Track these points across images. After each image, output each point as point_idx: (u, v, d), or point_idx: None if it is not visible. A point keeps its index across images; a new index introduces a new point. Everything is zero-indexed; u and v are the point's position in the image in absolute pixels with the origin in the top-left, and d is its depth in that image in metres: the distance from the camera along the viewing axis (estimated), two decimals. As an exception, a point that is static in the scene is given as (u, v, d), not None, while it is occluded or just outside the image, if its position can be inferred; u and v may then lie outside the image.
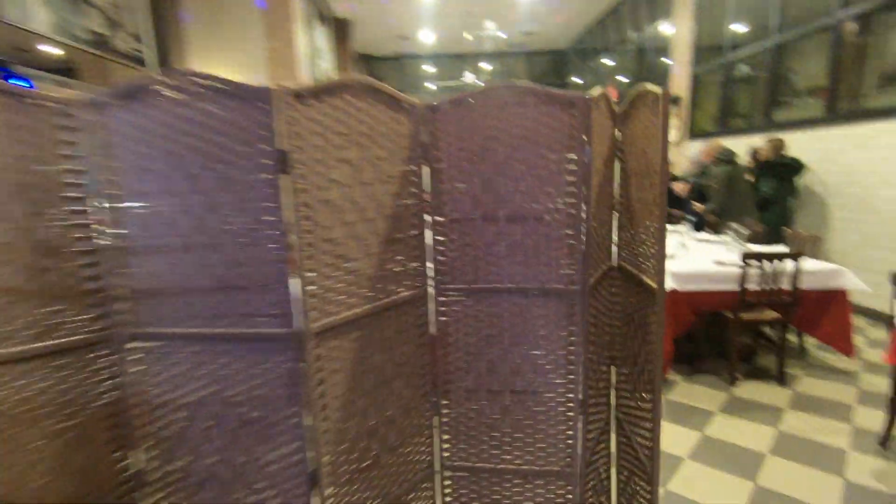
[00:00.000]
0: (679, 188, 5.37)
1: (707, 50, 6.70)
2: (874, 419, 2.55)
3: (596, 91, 1.50)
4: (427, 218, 1.51)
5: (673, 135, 7.30)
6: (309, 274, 1.22)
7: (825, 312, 3.05)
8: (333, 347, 1.31)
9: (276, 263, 1.21)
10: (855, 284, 2.96)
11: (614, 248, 1.72)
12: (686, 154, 6.51)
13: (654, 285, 1.38)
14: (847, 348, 3.02)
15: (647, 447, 1.48)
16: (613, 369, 1.78)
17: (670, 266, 3.02)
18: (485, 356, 1.56)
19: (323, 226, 1.25)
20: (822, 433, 2.47)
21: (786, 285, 2.87)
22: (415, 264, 1.52)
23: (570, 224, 1.44)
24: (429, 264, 1.54)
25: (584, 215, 1.43)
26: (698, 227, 4.72)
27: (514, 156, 1.42)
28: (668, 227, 4.91)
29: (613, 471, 1.84)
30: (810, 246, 3.44)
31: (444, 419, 1.63)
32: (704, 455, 2.32)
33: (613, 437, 1.83)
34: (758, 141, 5.17)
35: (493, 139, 1.42)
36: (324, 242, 1.26)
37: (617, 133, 1.61)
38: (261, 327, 1.25)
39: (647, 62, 8.40)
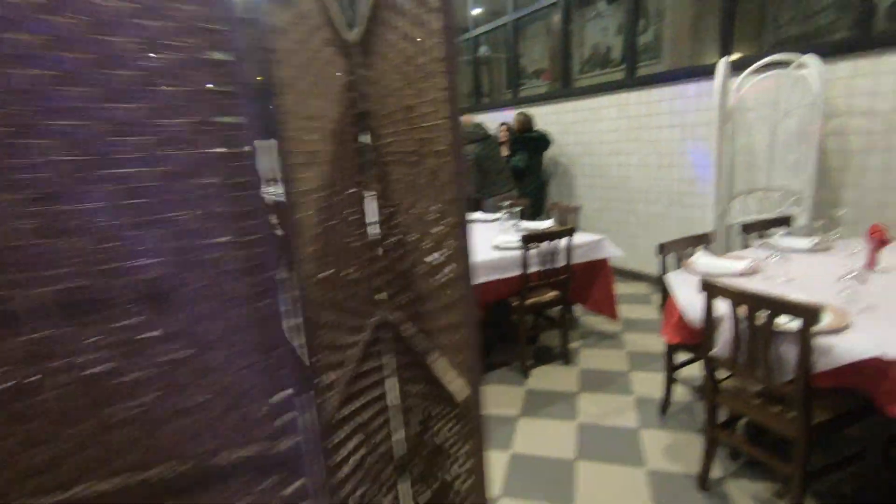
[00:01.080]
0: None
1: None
2: (646, 384, 2.62)
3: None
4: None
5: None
6: None
7: (593, 282, 3.09)
8: None
9: None
10: (614, 252, 3.04)
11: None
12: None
13: (458, 392, 0.77)
14: (612, 312, 3.13)
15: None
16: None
17: (452, 258, 2.62)
18: None
19: None
20: (614, 415, 2.39)
21: (561, 262, 2.75)
22: None
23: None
24: None
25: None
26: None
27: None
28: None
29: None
30: (573, 216, 3.50)
31: None
32: (518, 485, 1.96)
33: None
34: (506, 117, 5.30)
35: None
36: None
37: (353, 73, 0.95)
38: None
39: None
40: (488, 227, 3.45)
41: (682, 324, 1.89)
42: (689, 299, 1.83)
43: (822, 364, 1.40)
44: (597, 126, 4.53)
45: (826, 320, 1.43)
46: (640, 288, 4.22)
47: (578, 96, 4.70)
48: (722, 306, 1.63)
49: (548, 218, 3.70)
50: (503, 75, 6.38)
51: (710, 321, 1.69)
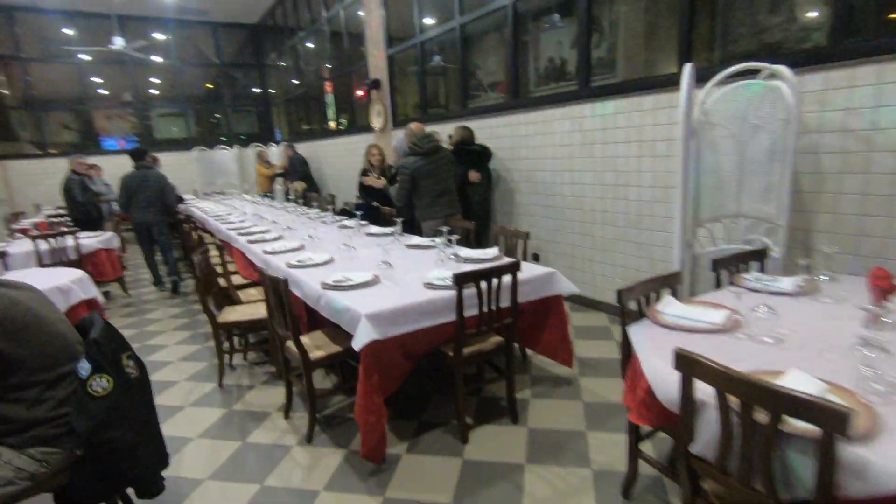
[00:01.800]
0: (372, 181, 4.69)
1: (402, 41, 6.26)
2: (607, 449, 2.18)
3: None
4: None
5: (376, 122, 6.71)
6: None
7: (544, 323, 2.65)
8: None
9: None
10: (568, 288, 2.61)
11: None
12: (392, 143, 5.97)
13: None
14: (568, 360, 2.69)
15: None
16: None
17: (370, 303, 2.11)
18: None
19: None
20: (568, 497, 1.93)
21: (505, 302, 2.29)
22: None
23: None
24: None
25: None
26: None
27: None
28: (376, 229, 4.06)
29: None
30: (521, 243, 3.06)
31: None
32: None
33: None
34: (449, 129, 4.88)
35: None
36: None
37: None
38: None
39: (344, 45, 7.62)
40: (424, 256, 2.96)
41: (651, 400, 1.45)
42: (659, 372, 1.39)
43: (854, 489, 0.97)
44: (549, 140, 4.16)
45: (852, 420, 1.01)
46: (598, 319, 3.83)
47: (530, 108, 4.32)
48: (704, 388, 1.20)
49: (493, 245, 3.25)
50: (453, 86, 6.00)
51: (690, 407, 1.25)
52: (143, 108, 15.73)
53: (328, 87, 8.84)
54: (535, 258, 4.41)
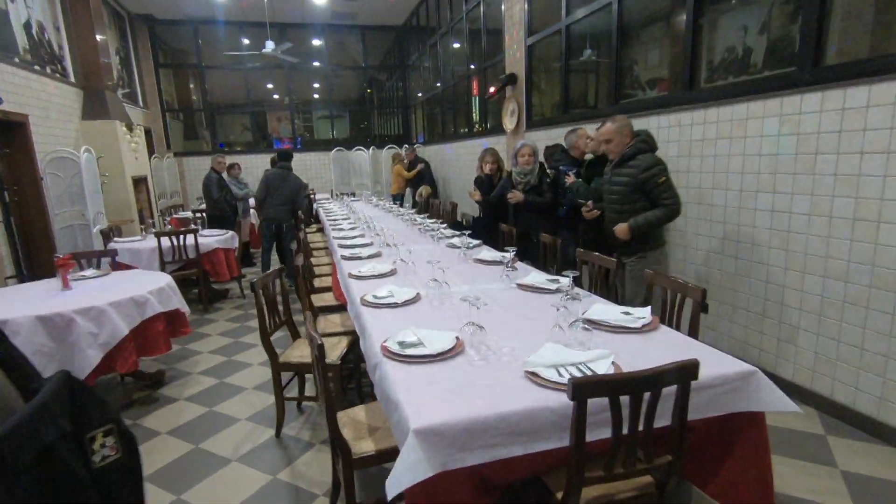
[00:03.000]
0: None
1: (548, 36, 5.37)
2: None
3: None
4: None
5: (509, 122, 5.90)
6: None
7: (726, 451, 1.59)
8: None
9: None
10: (779, 402, 1.52)
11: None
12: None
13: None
14: (765, 516, 1.59)
15: None
16: None
17: (429, 403, 1.32)
18: None
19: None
20: None
21: (664, 419, 1.32)
22: None
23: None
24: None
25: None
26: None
27: None
28: (488, 254, 3.09)
29: None
30: (692, 304, 2.01)
31: None
32: None
33: None
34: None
35: None
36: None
37: None
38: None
39: (482, 43, 6.95)
40: (540, 306, 2.08)
41: None
42: None
43: None
44: (737, 146, 2.94)
45: None
46: (804, 421, 2.53)
47: (711, 102, 3.13)
48: None
49: (643, 303, 2.22)
50: (604, 79, 4.94)
51: None
52: (304, 112, 16.99)
53: (475, 87, 8.31)
54: (703, 309, 3.19)
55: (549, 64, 5.58)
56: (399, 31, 11.51)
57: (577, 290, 2.09)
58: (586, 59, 5.15)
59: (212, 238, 4.90)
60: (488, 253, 3.16)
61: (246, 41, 11.03)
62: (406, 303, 2.22)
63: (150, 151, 9.30)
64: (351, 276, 2.79)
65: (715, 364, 1.51)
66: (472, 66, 7.68)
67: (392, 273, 2.80)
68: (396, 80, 12.33)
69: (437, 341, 1.69)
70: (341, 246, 3.78)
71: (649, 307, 1.97)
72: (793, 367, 2.74)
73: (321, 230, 7.15)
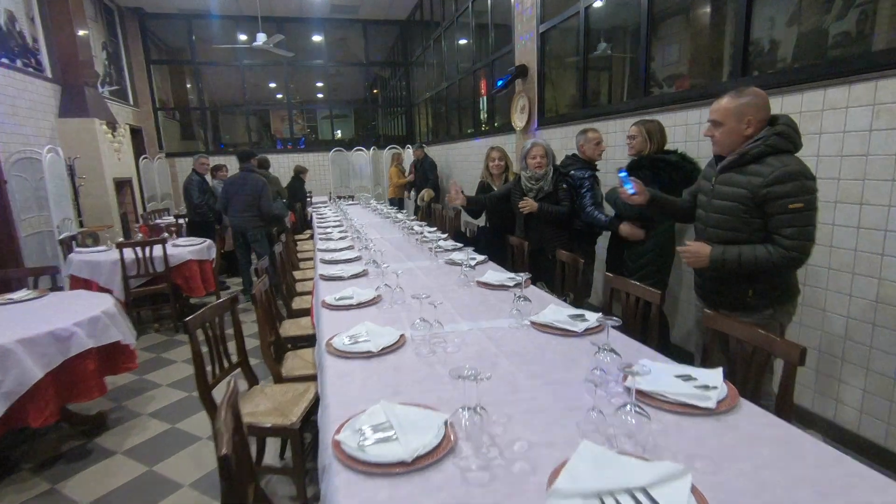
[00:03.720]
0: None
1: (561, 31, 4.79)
2: None
3: None
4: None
5: (519, 119, 5.33)
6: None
7: None
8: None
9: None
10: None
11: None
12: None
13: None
14: None
15: None
16: None
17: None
18: None
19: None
20: None
21: None
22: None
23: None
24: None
25: None
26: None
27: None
28: (493, 275, 2.44)
29: None
30: (790, 369, 1.43)
31: None
32: None
33: None
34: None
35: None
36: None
37: None
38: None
39: (491, 34, 6.38)
40: (566, 354, 1.51)
41: None
42: None
43: None
44: (809, 145, 2.35)
45: None
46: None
47: (773, 88, 2.55)
48: None
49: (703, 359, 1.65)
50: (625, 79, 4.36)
51: None
52: (308, 112, 16.54)
53: (482, 84, 7.78)
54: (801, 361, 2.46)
55: (564, 54, 5.00)
56: (403, 25, 10.97)
57: (609, 327, 1.46)
58: (602, 54, 4.58)
59: (184, 248, 4.38)
60: (494, 274, 2.59)
61: (243, 37, 10.55)
62: (384, 351, 1.67)
63: (140, 152, 8.84)
64: (324, 304, 2.24)
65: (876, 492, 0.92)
66: (477, 62, 7.11)
67: (374, 302, 2.25)
68: (400, 78, 11.79)
69: (416, 430, 1.12)
70: (323, 262, 3.23)
71: (720, 369, 1.39)
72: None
73: (313, 236, 6.63)
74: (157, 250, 4.08)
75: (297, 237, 6.34)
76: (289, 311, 3.26)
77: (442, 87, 8.69)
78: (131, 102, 9.17)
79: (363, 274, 2.83)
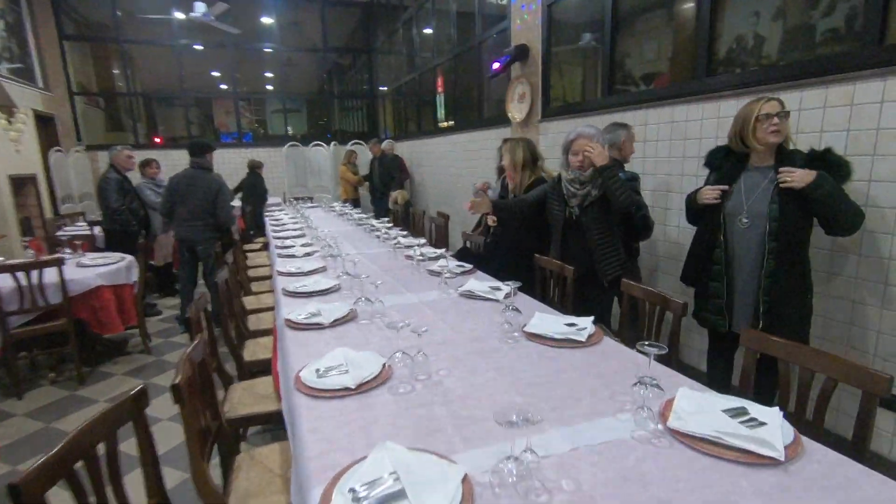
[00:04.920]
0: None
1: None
2: None
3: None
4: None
5: (517, 110, 4.53)
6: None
7: None
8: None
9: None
10: None
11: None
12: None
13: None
14: None
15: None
16: None
17: None
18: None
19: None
20: None
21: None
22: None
23: None
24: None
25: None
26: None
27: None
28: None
29: None
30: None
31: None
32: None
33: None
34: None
35: None
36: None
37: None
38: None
39: (476, 13, 5.52)
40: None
41: None
42: None
43: None
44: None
45: None
46: None
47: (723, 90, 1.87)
48: None
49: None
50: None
51: None
52: (257, 105, 15.16)
53: (439, 84, 6.96)
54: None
55: (581, 28, 4.24)
56: (366, 7, 9.96)
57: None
58: (586, 46, 3.82)
59: (92, 270, 3.27)
60: (548, 320, 1.75)
61: (180, 16, 9.19)
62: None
63: (52, 143, 7.41)
64: (302, 388, 1.33)
65: None
66: (458, 46, 6.27)
67: (384, 380, 1.36)
68: (361, 67, 10.75)
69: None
70: (287, 294, 2.29)
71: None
72: None
73: (266, 246, 5.58)
74: (52, 274, 2.97)
75: (248, 248, 5.27)
76: (240, 367, 2.30)
77: (413, 75, 7.79)
78: (40, 85, 7.68)
79: (351, 318, 1.92)
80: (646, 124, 3.14)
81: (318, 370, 1.37)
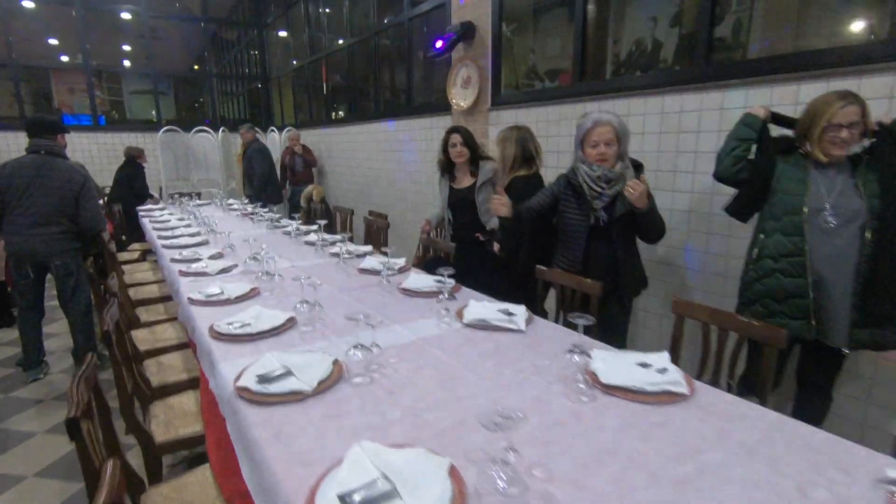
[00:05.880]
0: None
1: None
2: None
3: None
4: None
5: (461, 96, 4.03)
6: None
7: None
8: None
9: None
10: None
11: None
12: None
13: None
14: None
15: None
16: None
17: None
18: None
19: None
20: None
21: None
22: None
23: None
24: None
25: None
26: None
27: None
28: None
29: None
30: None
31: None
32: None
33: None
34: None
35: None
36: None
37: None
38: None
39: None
40: None
41: None
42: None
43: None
44: None
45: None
46: None
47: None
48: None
49: None
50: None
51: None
52: (110, 85, 12.96)
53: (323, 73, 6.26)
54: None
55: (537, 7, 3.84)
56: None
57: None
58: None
59: None
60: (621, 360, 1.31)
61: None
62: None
63: None
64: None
65: None
66: (381, 21, 5.59)
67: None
68: (248, 44, 9.43)
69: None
70: (222, 337, 1.55)
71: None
72: None
73: (146, 255, 4.45)
74: None
75: (123, 259, 4.13)
76: (145, 443, 1.51)
77: (319, 55, 6.90)
78: None
79: (330, 388, 1.28)
80: (629, 115, 2.83)
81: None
